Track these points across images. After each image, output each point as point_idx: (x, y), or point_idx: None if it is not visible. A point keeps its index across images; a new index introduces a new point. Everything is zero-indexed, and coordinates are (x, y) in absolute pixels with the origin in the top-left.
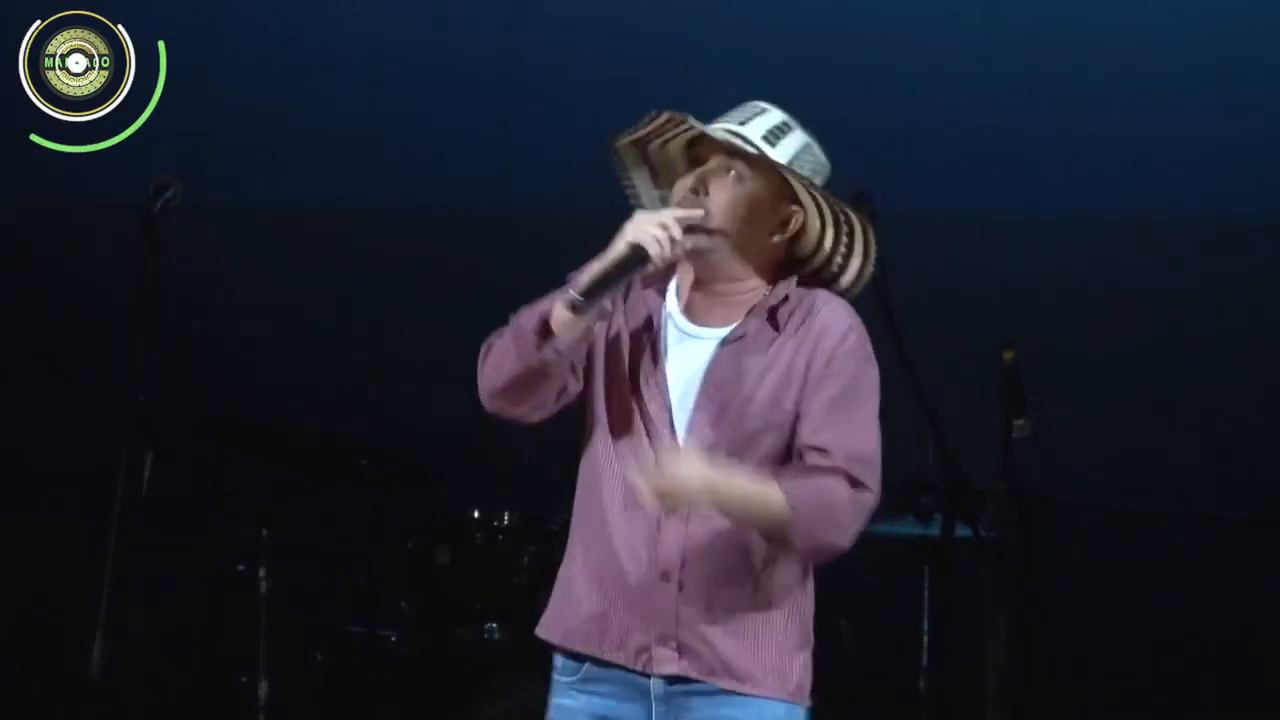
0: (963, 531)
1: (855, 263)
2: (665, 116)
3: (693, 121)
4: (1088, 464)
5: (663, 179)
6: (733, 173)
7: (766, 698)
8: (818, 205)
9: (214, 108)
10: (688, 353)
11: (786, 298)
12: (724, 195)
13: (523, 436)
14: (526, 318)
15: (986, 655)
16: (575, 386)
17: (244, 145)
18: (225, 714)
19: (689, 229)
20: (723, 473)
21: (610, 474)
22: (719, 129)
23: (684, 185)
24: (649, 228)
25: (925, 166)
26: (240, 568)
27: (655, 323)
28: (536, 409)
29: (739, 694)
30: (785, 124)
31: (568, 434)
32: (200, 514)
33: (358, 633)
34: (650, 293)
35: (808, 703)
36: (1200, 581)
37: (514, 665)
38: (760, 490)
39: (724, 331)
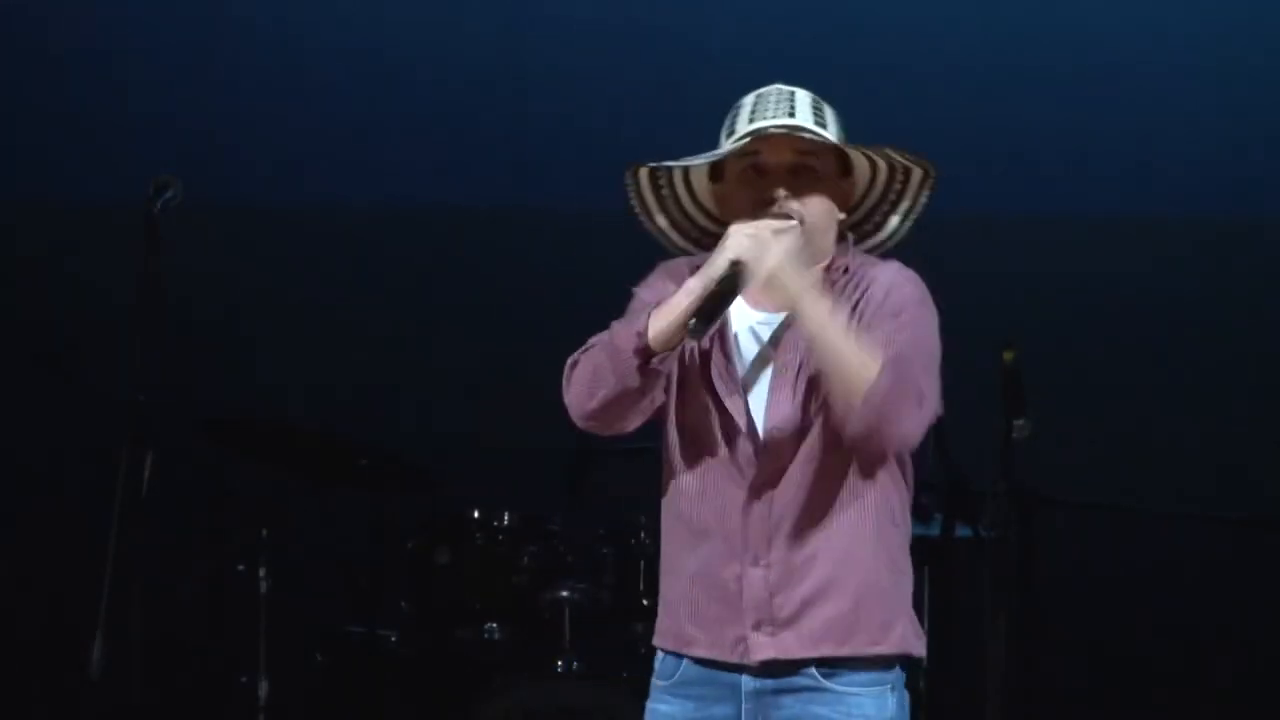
0: (963, 531)
1: (894, 220)
2: (739, 137)
3: (757, 126)
4: (1088, 464)
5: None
6: (810, 167)
7: (856, 691)
8: (872, 168)
9: (214, 108)
10: (756, 340)
11: (846, 269)
12: (811, 193)
13: (522, 437)
14: (623, 339)
15: (986, 655)
16: (662, 399)
17: (244, 145)
18: (225, 714)
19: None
20: (816, 297)
21: (693, 472)
22: (793, 124)
23: (778, 194)
24: (745, 243)
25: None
26: (240, 568)
27: (723, 322)
28: (630, 424)
29: (830, 690)
30: (816, 99)
31: (567, 434)
32: (200, 514)
33: (358, 633)
34: None
35: (906, 654)
36: (1200, 581)
37: (514, 665)
38: (845, 337)
39: (786, 315)
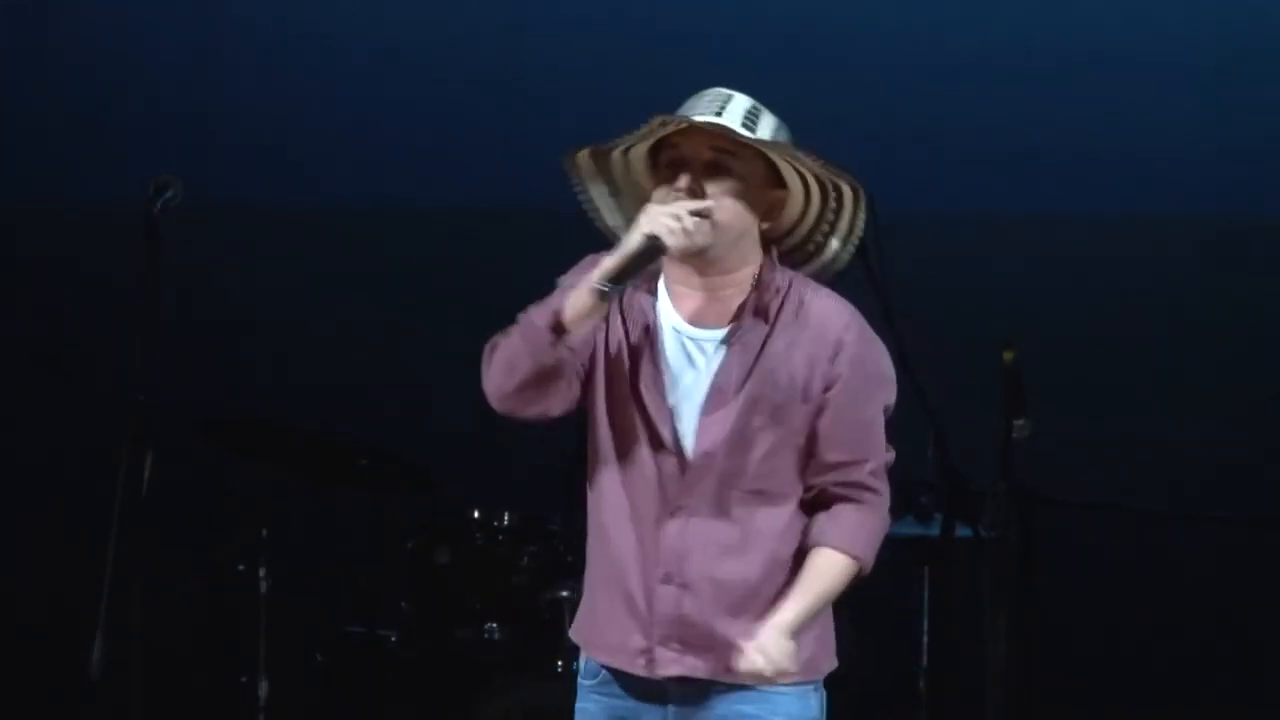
0: (963, 531)
1: (834, 244)
2: (652, 123)
3: (677, 116)
4: (1088, 464)
5: (625, 191)
6: (726, 165)
7: (780, 691)
8: (805, 184)
9: (214, 108)
10: (686, 357)
11: (776, 289)
12: (721, 188)
13: (522, 437)
14: (538, 315)
15: (986, 655)
16: (578, 385)
17: (244, 145)
18: (225, 714)
19: (698, 219)
20: (794, 609)
21: (613, 481)
22: (705, 120)
23: (680, 183)
24: (664, 219)
25: (925, 166)
26: (240, 568)
27: (651, 328)
28: (546, 409)
29: (753, 688)
30: (755, 106)
31: (567, 435)
32: (200, 514)
33: (358, 633)
34: (643, 296)
35: (821, 675)
36: (1200, 581)
37: (514, 665)
38: (828, 581)
39: (720, 333)
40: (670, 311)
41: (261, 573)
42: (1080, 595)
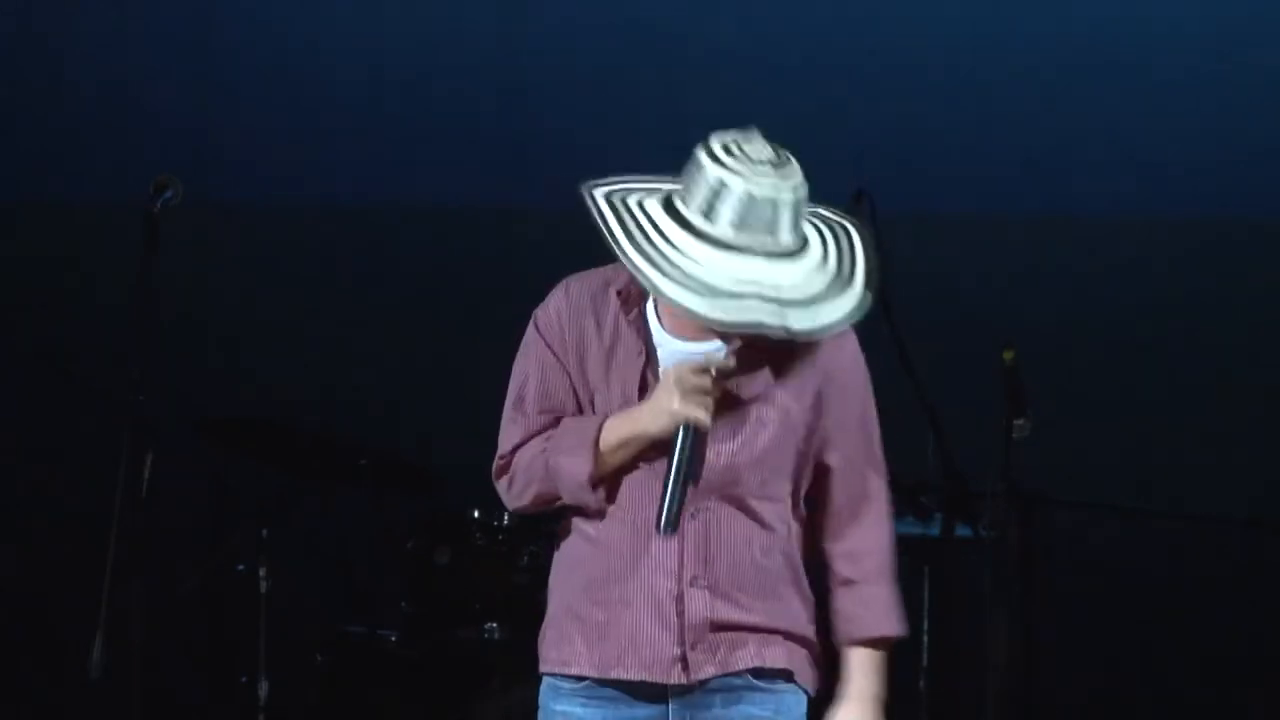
0: (963, 531)
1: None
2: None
3: (738, 308)
4: (1088, 464)
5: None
6: None
7: (784, 689)
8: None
9: (214, 108)
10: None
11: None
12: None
13: None
14: (575, 467)
15: (986, 655)
16: None
17: (244, 145)
18: (225, 714)
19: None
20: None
21: (620, 498)
22: (760, 326)
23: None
24: (692, 399)
25: (925, 166)
26: (240, 568)
27: (645, 346)
28: None
29: (761, 687)
30: (797, 209)
31: None
32: (200, 514)
33: (358, 633)
34: (632, 313)
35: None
36: (1200, 581)
37: (514, 665)
38: (879, 664)
39: (715, 344)
40: (660, 328)
41: (261, 573)
42: (1080, 595)
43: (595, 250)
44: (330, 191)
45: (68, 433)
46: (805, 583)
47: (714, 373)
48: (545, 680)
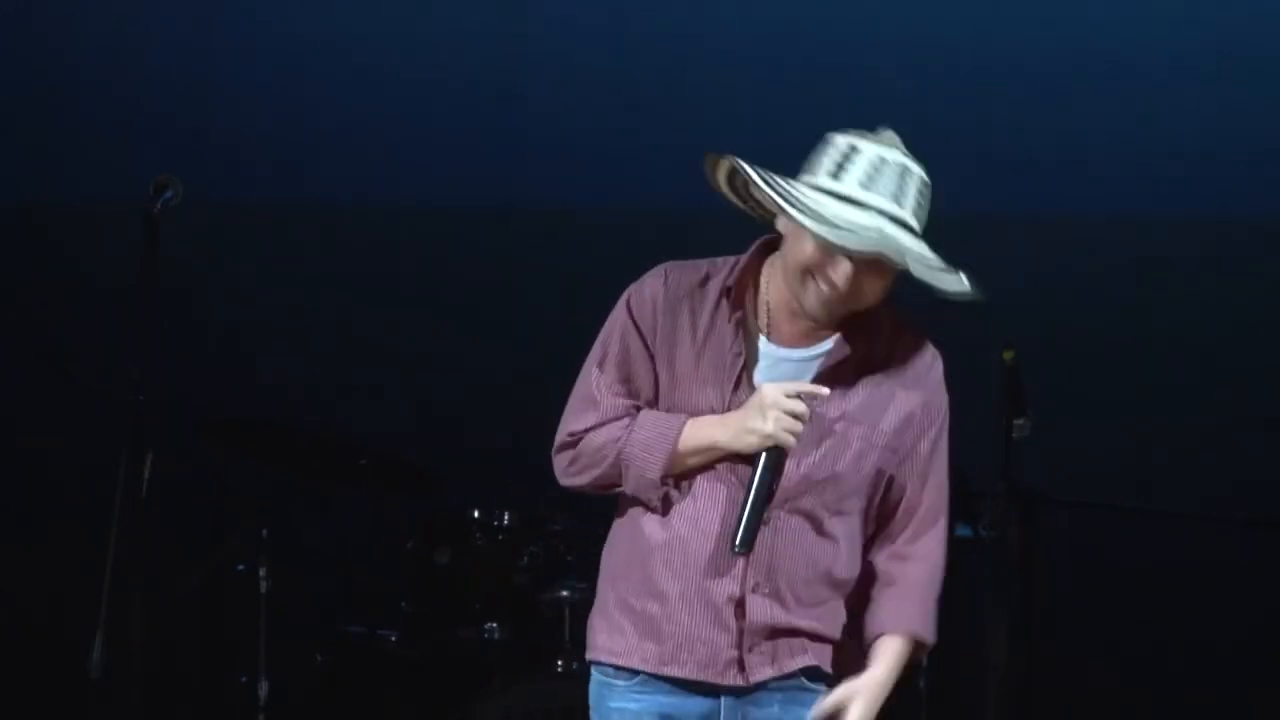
0: (963, 531)
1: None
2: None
3: (872, 239)
4: (1088, 464)
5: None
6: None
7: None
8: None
9: (214, 108)
10: (779, 376)
11: (879, 322)
12: (877, 284)
13: (522, 437)
14: (643, 467)
15: (986, 655)
16: None
17: (244, 145)
18: (225, 714)
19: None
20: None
21: (686, 492)
22: (894, 251)
23: (839, 283)
24: (780, 422)
25: (925, 166)
26: (240, 568)
27: (744, 349)
28: None
29: (810, 689)
30: (924, 186)
31: None
32: (200, 514)
33: (358, 633)
34: (738, 313)
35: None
36: (1200, 581)
37: (514, 665)
38: (901, 660)
39: (814, 351)
40: (762, 333)
41: (261, 573)
42: (1080, 595)
43: (595, 250)
44: (330, 191)
45: (68, 433)
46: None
47: (809, 398)
48: (595, 675)
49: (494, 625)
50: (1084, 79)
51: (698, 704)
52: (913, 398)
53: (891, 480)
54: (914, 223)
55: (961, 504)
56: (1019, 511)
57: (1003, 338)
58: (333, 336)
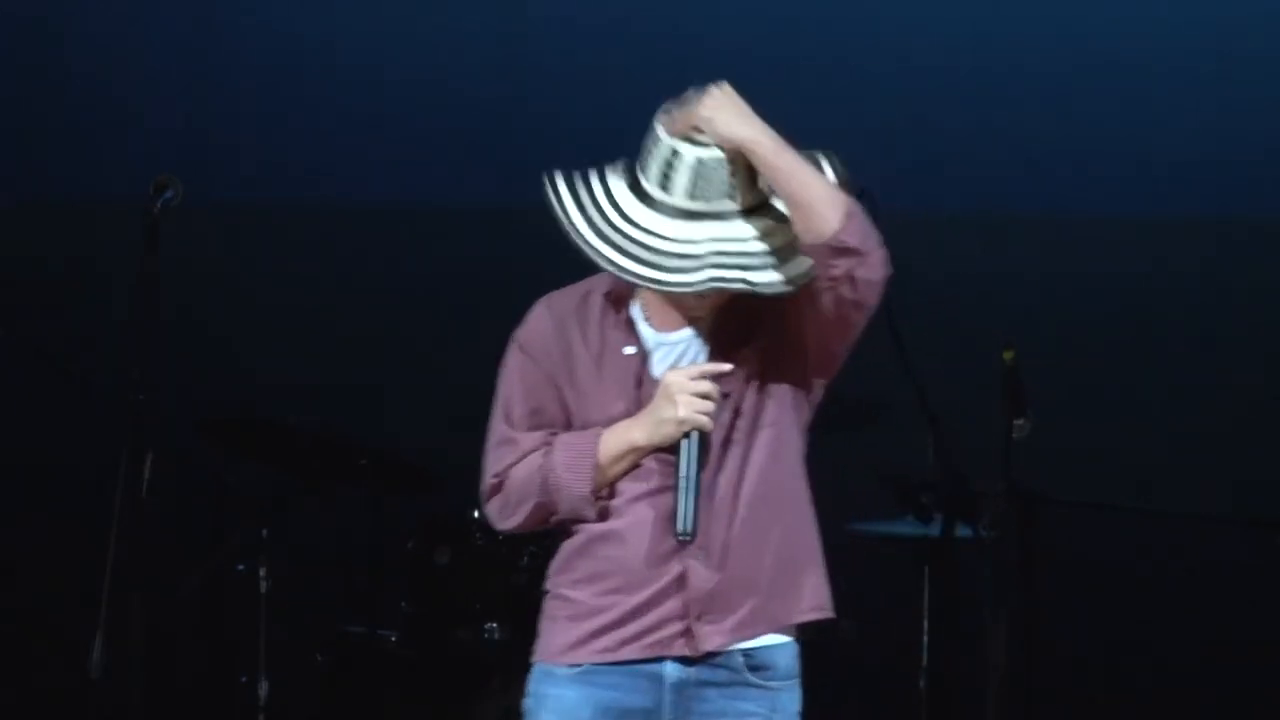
0: (963, 531)
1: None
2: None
3: (707, 277)
4: (1088, 464)
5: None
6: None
7: (779, 686)
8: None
9: (214, 108)
10: (672, 362)
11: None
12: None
13: None
14: (570, 485)
15: (986, 655)
16: None
17: (244, 145)
18: (225, 714)
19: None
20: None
21: (624, 502)
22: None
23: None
24: (692, 405)
25: (925, 166)
26: (240, 568)
27: (637, 343)
28: None
29: (755, 684)
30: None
31: None
32: (200, 514)
33: (358, 633)
34: (620, 314)
35: (826, 614)
36: (1200, 581)
37: (514, 665)
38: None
39: (697, 328)
40: (646, 325)
41: (261, 573)
42: (1080, 595)
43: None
44: (330, 191)
45: (68, 433)
46: (809, 517)
47: (710, 374)
48: (539, 666)
49: (494, 625)
50: (1084, 79)
51: (642, 696)
52: (766, 313)
53: (804, 364)
54: (752, 196)
55: (961, 504)
56: (1019, 511)
57: (1003, 338)
58: (333, 336)
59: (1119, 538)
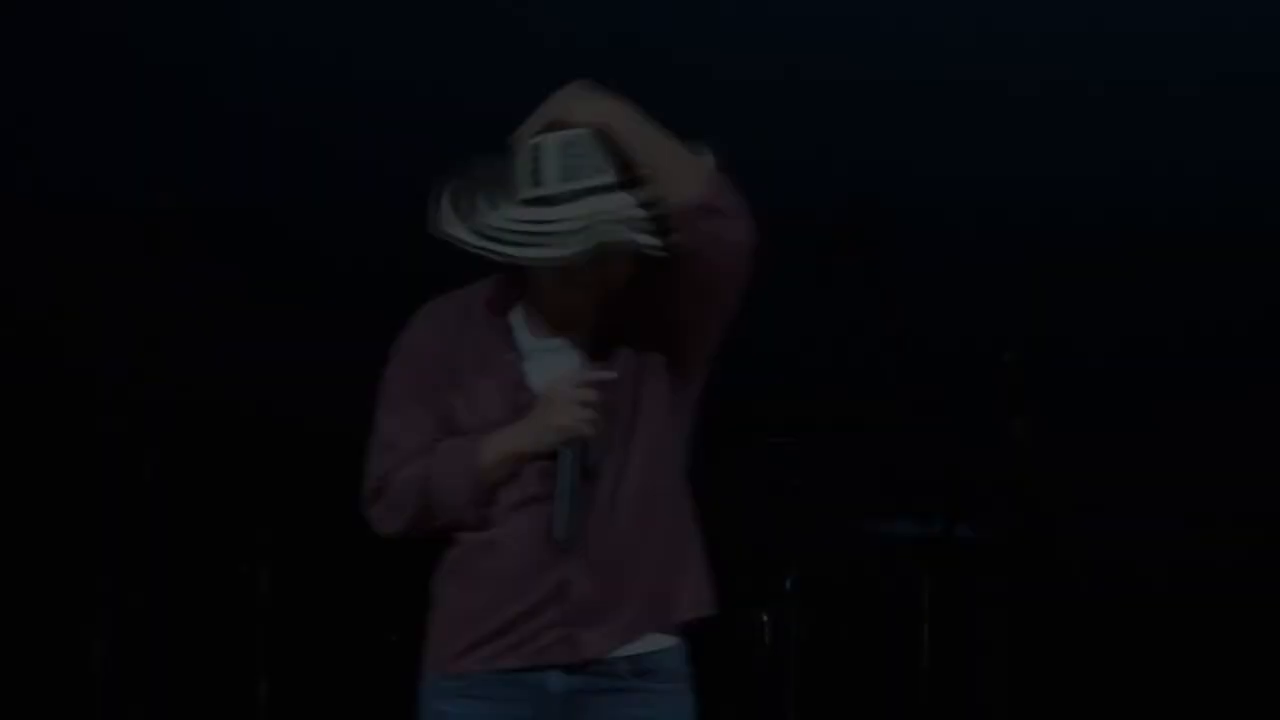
0: (963, 531)
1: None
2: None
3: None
4: (1088, 464)
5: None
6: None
7: (663, 690)
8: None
9: (213, 108)
10: (551, 368)
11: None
12: (621, 271)
13: None
14: (454, 490)
15: (987, 655)
16: None
17: (243, 145)
18: (225, 713)
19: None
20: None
21: (505, 509)
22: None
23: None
24: (574, 413)
25: (927, 167)
26: (240, 568)
27: (516, 351)
28: None
29: (640, 690)
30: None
31: None
32: (200, 514)
33: (358, 633)
34: (495, 323)
35: (704, 612)
36: (1200, 582)
37: None
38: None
39: (574, 336)
40: (526, 332)
41: (261, 573)
42: (1081, 595)
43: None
44: (327, 191)
45: (68, 433)
46: (688, 529)
47: (591, 381)
48: (427, 678)
49: None
50: (1085, 80)
51: (526, 708)
52: (636, 313)
53: (681, 361)
54: (614, 177)
55: (961, 504)
56: (1019, 512)
57: (1003, 338)
58: (331, 336)
59: (1119, 538)
